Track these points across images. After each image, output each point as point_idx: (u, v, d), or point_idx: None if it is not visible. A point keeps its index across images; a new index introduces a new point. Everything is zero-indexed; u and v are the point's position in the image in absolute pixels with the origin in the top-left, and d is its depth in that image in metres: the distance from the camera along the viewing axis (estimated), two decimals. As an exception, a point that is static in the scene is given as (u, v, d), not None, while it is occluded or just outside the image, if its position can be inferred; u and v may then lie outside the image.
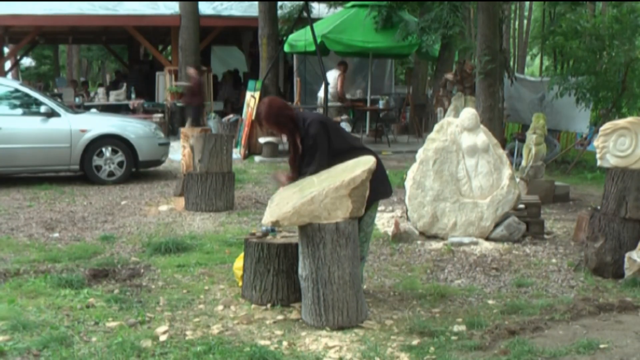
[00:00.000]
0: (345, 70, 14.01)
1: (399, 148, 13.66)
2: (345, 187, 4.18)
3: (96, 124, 9.85)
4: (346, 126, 12.30)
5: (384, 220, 7.23)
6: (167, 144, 10.65)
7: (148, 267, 5.56)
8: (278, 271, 4.60)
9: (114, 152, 9.75)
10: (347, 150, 4.61)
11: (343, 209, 4.20)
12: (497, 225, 6.55)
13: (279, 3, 15.07)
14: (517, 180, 7.37)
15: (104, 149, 9.68)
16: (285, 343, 3.98)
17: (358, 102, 15.28)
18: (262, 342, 3.96)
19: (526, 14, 28.90)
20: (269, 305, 4.59)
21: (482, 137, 6.59)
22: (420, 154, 6.67)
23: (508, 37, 25.51)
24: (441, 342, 4.02)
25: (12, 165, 9.44)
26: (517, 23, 29.14)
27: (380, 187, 4.63)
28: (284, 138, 4.87)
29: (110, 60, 32.52)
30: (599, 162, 5.69)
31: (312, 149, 4.53)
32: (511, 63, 22.62)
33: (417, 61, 18.21)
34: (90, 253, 5.97)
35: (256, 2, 14.71)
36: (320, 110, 12.71)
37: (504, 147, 8.76)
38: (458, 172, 6.57)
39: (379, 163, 4.57)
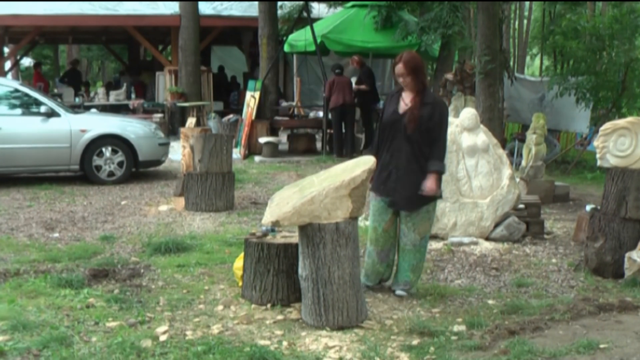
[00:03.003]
0: None
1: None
2: (345, 187, 4.18)
3: (96, 124, 9.84)
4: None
5: (384, 220, 7.21)
6: (167, 144, 10.65)
7: (148, 267, 5.55)
8: (278, 271, 4.60)
9: (114, 152, 9.75)
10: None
11: (343, 209, 4.21)
12: (497, 225, 6.55)
13: (279, 3, 15.06)
14: (517, 180, 7.37)
15: (104, 149, 9.67)
16: (285, 343, 3.98)
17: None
18: (262, 342, 3.96)
19: (526, 14, 28.86)
20: (269, 305, 4.59)
21: (482, 137, 6.59)
22: (420, 154, 6.66)
23: (508, 37, 25.47)
24: (441, 342, 4.02)
25: (12, 165, 9.43)
26: (517, 23, 29.10)
27: None
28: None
29: (110, 60, 32.49)
30: (599, 162, 5.70)
31: (438, 129, 4.67)
32: (511, 63, 22.58)
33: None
34: (90, 253, 5.96)
35: (256, 2, 14.70)
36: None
37: (504, 147, 8.75)
38: (458, 172, 6.57)
39: None
